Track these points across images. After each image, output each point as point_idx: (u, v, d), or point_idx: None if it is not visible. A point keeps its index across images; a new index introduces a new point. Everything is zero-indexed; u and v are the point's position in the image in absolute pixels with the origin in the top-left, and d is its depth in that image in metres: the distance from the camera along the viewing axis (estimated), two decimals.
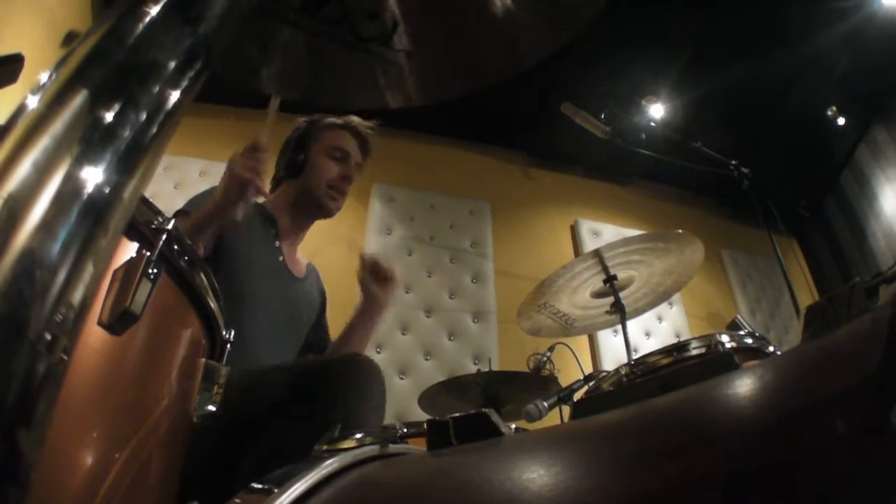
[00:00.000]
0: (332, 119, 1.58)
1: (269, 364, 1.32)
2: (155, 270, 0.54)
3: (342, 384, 1.05)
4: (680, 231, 1.67)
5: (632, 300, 1.79)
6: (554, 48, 0.59)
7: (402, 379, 2.93)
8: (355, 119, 1.57)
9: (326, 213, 1.55)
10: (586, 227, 3.75)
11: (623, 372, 1.13)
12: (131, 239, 0.57)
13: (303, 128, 1.59)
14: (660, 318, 3.59)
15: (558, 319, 1.82)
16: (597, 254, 1.66)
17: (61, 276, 0.26)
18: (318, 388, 1.04)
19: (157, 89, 0.32)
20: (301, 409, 0.98)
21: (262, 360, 1.27)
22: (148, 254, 0.55)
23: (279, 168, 1.61)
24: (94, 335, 0.51)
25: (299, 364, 1.29)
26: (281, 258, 1.49)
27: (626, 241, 1.68)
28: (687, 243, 1.69)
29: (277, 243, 1.50)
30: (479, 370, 2.21)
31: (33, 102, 0.29)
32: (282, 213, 1.55)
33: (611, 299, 1.73)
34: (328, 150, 1.54)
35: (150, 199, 0.59)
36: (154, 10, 0.33)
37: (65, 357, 0.27)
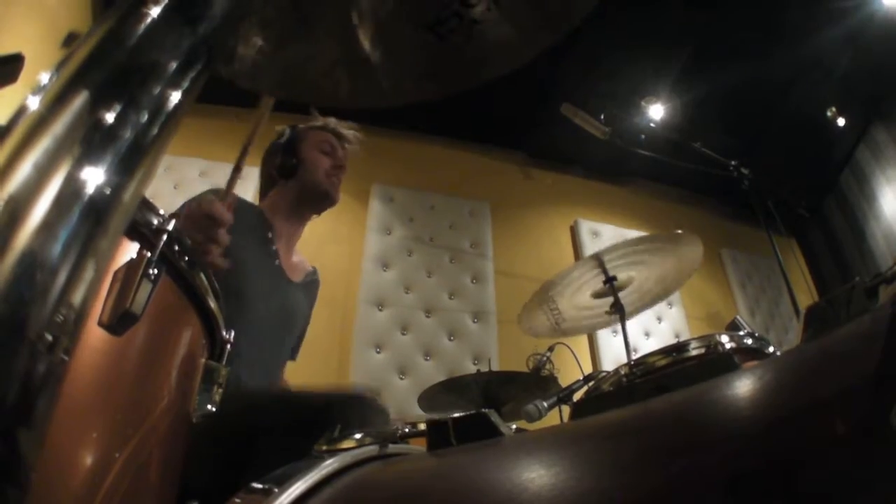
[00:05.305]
0: (312, 122, 1.71)
1: (268, 389, 1.34)
2: (155, 271, 0.54)
3: (344, 422, 1.05)
4: (679, 231, 1.68)
5: (630, 300, 1.79)
6: (544, 47, 0.59)
7: (401, 379, 2.92)
8: (332, 119, 1.70)
9: (331, 202, 1.63)
10: (586, 227, 3.75)
11: (623, 372, 1.12)
12: (132, 239, 0.57)
13: (287, 134, 1.68)
14: (659, 319, 3.58)
15: (559, 319, 1.82)
16: (596, 258, 1.67)
17: (62, 277, 0.26)
18: (318, 423, 1.04)
19: (157, 90, 0.32)
20: (299, 444, 0.98)
21: (252, 363, 1.27)
22: (148, 254, 0.54)
23: (269, 172, 1.66)
24: (94, 335, 0.51)
25: (301, 396, 1.28)
26: (277, 262, 1.51)
27: (627, 243, 1.68)
28: (686, 243, 1.70)
29: (275, 247, 1.52)
30: (478, 370, 2.20)
31: (34, 103, 0.29)
32: (278, 214, 1.58)
33: (610, 299, 1.73)
34: (318, 146, 1.64)
35: (150, 200, 0.59)
36: (154, 11, 0.33)
37: (65, 357, 0.27)
